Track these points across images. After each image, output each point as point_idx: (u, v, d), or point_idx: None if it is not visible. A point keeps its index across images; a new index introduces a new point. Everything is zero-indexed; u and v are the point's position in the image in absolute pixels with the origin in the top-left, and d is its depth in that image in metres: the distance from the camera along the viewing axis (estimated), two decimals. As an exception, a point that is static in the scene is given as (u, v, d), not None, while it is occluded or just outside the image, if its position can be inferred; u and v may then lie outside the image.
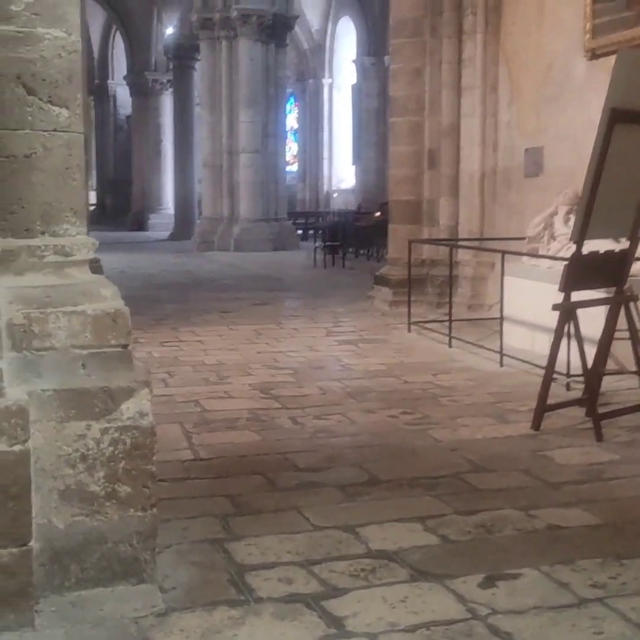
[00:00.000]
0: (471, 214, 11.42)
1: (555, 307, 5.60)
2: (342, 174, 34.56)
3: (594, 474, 4.85)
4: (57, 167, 3.42)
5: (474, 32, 11.19)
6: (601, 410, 5.84)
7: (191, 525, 4.05)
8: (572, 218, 8.66)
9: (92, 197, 40.91)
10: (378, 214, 17.82)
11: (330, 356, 8.49)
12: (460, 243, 11.08)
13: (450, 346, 8.98)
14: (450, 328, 9.15)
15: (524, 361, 7.77)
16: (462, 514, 4.20)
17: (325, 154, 35.07)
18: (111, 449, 3.33)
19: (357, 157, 31.96)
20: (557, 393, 6.26)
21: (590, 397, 5.67)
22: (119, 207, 37.29)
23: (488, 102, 11.15)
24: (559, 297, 5.70)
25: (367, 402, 6.60)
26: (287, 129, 39.14)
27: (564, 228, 9.00)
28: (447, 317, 9.65)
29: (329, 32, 34.42)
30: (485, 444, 5.45)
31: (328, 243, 18.42)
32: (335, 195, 33.85)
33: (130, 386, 3.36)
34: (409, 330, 9.95)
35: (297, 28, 34.80)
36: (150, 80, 33.56)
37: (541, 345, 8.48)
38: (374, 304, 12.05)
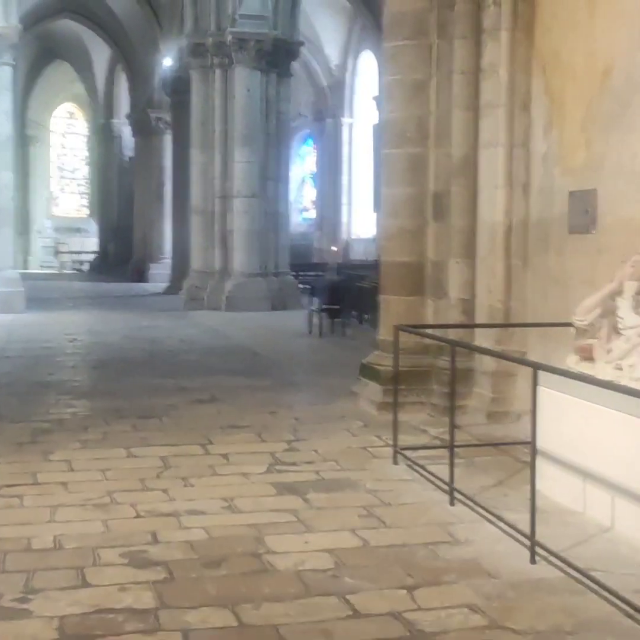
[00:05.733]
0: (493, 284, 8.14)
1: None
2: (363, 221, 31.41)
3: None
4: None
5: (497, 29, 8.00)
6: None
7: None
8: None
9: (94, 244, 38.15)
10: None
11: (251, 527, 5.15)
12: (462, 342, 7.84)
13: (451, 503, 5.63)
14: (451, 470, 5.78)
15: (569, 565, 4.42)
16: None
17: (345, 200, 31.98)
18: None
19: (378, 204, 28.78)
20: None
21: None
22: (122, 255, 34.38)
23: (517, 126, 7.92)
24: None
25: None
26: (305, 173, 36.50)
27: (633, 317, 5.69)
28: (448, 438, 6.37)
29: (349, 67, 31.52)
30: None
31: (325, 307, 15.14)
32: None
33: None
34: (395, 461, 6.63)
35: (315, 64, 32.11)
36: (152, 118, 30.75)
37: (598, 508, 5.20)
38: (358, 405, 8.74)
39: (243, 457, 6.76)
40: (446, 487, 5.80)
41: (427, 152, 8.43)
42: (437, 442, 7.18)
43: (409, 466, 6.49)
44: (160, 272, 29.52)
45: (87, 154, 42.80)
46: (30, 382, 10.11)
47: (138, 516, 5.35)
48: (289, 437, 7.41)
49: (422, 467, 6.30)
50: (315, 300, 16.61)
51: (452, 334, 7.93)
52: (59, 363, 11.77)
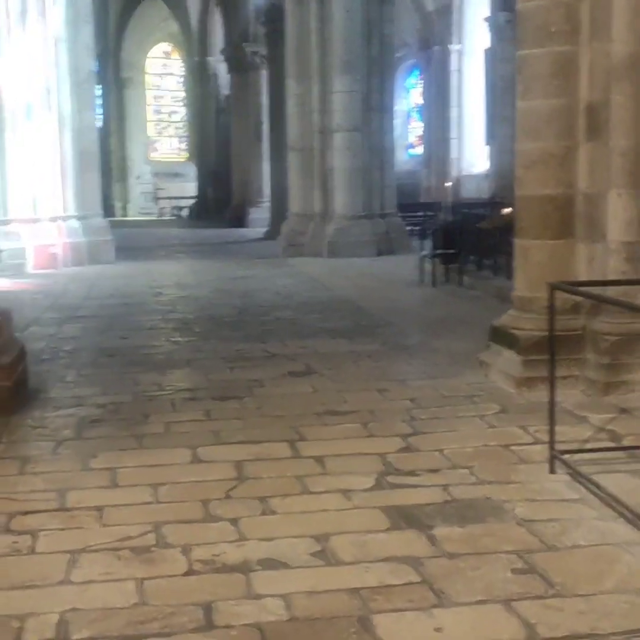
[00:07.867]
0: (670, 221, 6.18)
1: None
2: (474, 156, 29.17)
3: None
4: None
5: None
6: None
7: None
8: None
9: (194, 189, 36.77)
10: (509, 210, 12.57)
11: (353, 595, 3.45)
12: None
13: (647, 545, 3.84)
14: (645, 495, 3.96)
15: None
16: None
17: (454, 134, 29.68)
18: None
19: (491, 136, 26.50)
20: None
21: None
22: (222, 199, 32.89)
23: None
24: None
25: None
26: (411, 107, 34.27)
27: None
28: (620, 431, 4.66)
29: (457, -13, 28.98)
30: None
31: (438, 252, 13.27)
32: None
33: None
34: (552, 469, 4.82)
35: (420, -14, 29.69)
36: (248, 53, 28.86)
37: None
38: (489, 377, 6.94)
39: (344, 461, 5.06)
40: (633, 516, 4.00)
41: (578, 51, 6.44)
42: (605, 438, 5.34)
43: (572, 476, 4.69)
44: (260, 216, 27.96)
45: (184, 94, 41.29)
46: (97, 350, 8.62)
47: (190, 571, 3.70)
48: (404, 430, 5.66)
49: (592, 481, 4.47)
50: (427, 244, 14.76)
51: (612, 291, 6.04)
52: (136, 324, 10.26)
